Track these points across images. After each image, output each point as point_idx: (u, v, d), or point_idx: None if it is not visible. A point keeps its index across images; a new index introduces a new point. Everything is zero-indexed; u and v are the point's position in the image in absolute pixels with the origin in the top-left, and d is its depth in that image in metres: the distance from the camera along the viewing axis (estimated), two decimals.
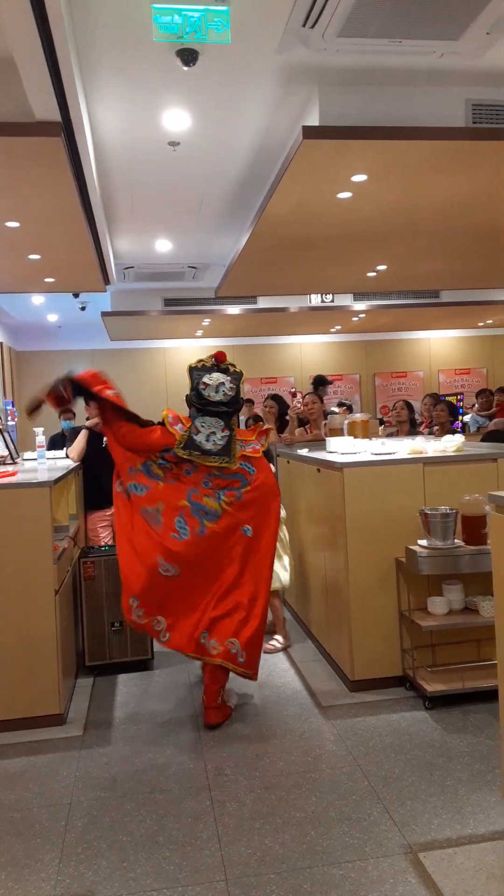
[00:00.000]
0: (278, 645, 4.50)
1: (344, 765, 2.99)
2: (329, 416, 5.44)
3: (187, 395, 3.71)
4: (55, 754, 3.23)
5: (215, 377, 3.67)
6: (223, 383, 3.66)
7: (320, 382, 8.45)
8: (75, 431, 6.93)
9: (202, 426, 3.61)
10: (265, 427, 3.96)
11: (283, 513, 4.32)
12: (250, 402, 9.54)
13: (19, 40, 2.81)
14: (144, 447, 3.62)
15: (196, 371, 3.73)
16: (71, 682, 3.90)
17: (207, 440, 3.59)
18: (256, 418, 6.06)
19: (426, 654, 3.68)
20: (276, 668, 4.17)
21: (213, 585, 3.50)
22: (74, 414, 7.84)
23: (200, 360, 3.80)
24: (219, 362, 3.75)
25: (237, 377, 3.76)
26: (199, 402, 3.65)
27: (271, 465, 4.07)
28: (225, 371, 3.72)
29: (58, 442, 6.68)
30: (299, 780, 2.89)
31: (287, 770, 2.98)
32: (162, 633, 3.44)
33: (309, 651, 4.41)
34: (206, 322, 9.80)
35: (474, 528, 3.50)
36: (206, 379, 3.66)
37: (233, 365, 3.82)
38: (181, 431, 3.64)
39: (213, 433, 3.60)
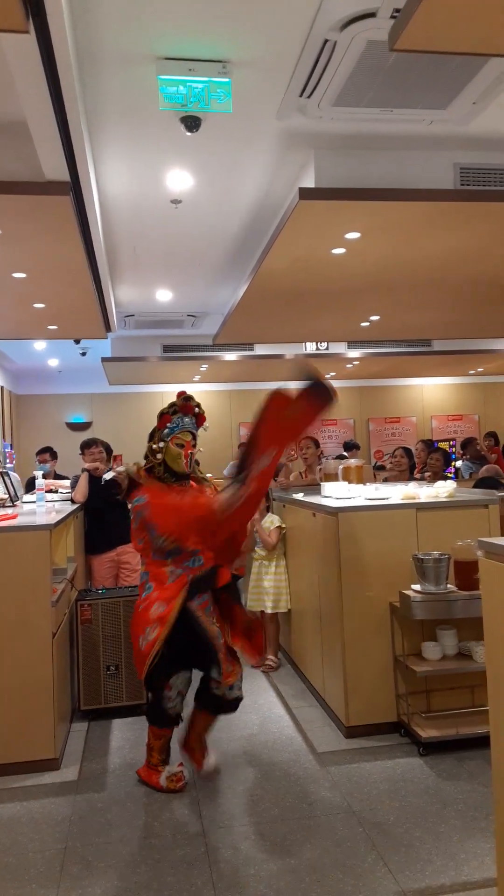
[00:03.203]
0: (272, 664, 4.90)
1: (339, 811, 2.99)
2: (324, 461, 5.53)
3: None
4: (50, 799, 3.22)
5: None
6: None
7: None
8: (57, 477, 6.99)
9: None
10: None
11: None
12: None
13: (33, 106, 2.98)
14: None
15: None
16: (66, 726, 3.89)
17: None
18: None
19: (421, 699, 3.70)
20: (272, 713, 4.17)
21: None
22: (53, 455, 7.83)
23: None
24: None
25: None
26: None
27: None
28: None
29: (32, 486, 6.62)
30: (294, 826, 2.89)
31: (282, 816, 2.98)
32: None
33: (304, 696, 4.41)
34: (204, 367, 9.96)
35: (467, 574, 3.56)
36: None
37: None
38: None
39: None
